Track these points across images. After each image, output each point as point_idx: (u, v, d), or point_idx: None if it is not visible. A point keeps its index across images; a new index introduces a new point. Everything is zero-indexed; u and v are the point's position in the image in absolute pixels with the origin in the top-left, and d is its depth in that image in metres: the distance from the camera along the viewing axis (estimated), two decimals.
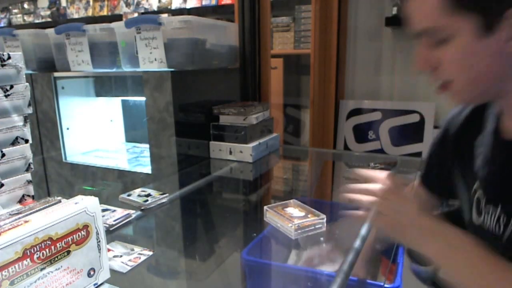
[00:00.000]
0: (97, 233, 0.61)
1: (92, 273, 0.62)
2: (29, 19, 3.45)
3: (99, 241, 0.62)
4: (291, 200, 1.01)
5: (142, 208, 1.04)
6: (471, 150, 0.71)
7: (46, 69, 1.74)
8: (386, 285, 0.75)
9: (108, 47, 1.55)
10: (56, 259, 0.56)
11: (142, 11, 2.83)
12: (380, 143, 2.24)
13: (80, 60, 1.60)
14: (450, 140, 0.77)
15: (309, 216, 0.92)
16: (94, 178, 1.62)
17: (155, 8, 2.79)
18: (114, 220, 0.94)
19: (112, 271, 0.69)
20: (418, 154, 2.05)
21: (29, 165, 0.68)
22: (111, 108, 1.95)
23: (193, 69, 1.42)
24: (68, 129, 1.71)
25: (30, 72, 1.74)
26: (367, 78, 2.28)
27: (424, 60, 0.63)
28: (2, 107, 0.62)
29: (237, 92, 1.77)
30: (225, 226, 1.07)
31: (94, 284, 0.63)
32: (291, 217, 0.91)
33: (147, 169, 1.49)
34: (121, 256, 0.80)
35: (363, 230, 0.82)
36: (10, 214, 0.57)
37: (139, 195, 1.10)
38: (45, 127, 1.70)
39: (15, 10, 3.52)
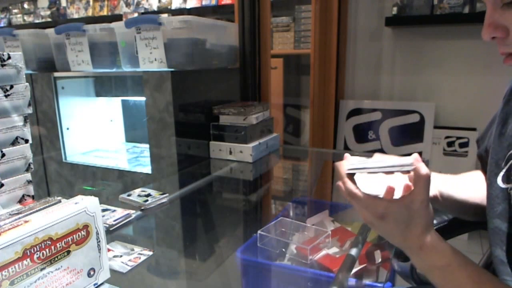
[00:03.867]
0: (97, 233, 0.61)
1: (92, 273, 0.62)
2: (29, 19, 3.45)
3: (99, 241, 0.62)
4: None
5: (142, 208, 1.04)
6: None
7: (46, 69, 1.74)
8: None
9: (108, 47, 1.55)
10: (56, 259, 0.56)
11: (142, 11, 2.83)
12: (380, 143, 2.24)
13: (80, 60, 1.60)
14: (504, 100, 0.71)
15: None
16: (94, 178, 1.62)
17: (155, 8, 2.79)
18: (114, 220, 0.94)
19: (112, 271, 0.69)
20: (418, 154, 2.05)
21: (29, 165, 0.68)
22: (111, 108, 1.95)
23: (193, 69, 1.42)
24: (68, 129, 1.71)
25: (30, 72, 1.74)
26: (367, 78, 2.28)
27: (490, 26, 0.55)
28: (2, 107, 0.62)
29: (237, 92, 1.77)
30: (225, 226, 1.07)
31: (94, 284, 0.63)
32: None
33: (147, 169, 1.49)
34: (121, 256, 0.80)
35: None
36: (10, 214, 0.57)
37: (139, 195, 1.10)
38: (45, 127, 1.70)
39: (15, 10, 3.52)
